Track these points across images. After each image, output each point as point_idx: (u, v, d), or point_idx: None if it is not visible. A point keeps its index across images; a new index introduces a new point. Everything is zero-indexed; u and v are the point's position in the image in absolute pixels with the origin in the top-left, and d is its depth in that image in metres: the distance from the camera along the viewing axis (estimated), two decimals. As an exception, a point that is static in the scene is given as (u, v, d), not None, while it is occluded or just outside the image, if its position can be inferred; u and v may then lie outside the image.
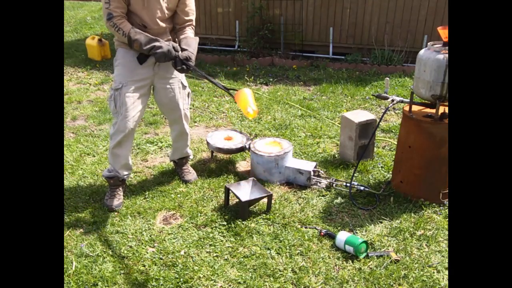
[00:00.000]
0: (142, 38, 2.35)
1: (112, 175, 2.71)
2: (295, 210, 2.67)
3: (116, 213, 2.66)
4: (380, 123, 4.00)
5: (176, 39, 2.65)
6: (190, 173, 3.06)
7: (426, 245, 2.34)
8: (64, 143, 3.73)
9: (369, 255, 2.25)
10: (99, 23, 9.94)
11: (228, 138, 3.40)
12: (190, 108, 4.64)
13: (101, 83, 5.67)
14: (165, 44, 2.39)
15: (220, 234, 2.45)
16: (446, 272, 2.13)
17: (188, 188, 2.95)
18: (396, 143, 3.00)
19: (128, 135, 2.58)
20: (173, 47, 2.44)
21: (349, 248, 2.24)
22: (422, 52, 2.54)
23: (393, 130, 3.94)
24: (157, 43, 2.37)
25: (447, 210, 2.63)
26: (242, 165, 3.34)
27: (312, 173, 2.94)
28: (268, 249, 2.31)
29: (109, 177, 2.73)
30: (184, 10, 2.61)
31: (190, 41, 2.58)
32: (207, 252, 2.31)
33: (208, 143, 3.31)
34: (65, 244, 2.37)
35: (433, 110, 2.57)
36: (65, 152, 3.54)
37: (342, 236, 2.30)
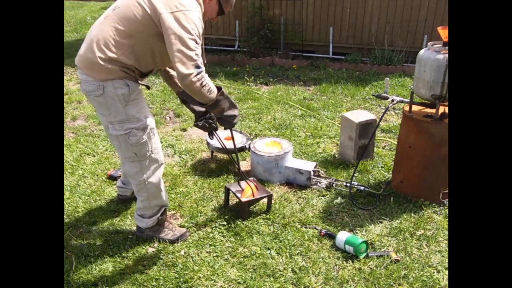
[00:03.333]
0: (227, 102, 2.06)
1: (163, 211, 2.35)
2: (295, 210, 2.67)
3: (116, 213, 2.66)
4: (380, 123, 4.00)
5: (172, 82, 2.44)
6: None
7: (426, 245, 2.34)
8: (64, 143, 3.73)
9: (369, 255, 2.25)
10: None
11: (228, 138, 3.39)
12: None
13: (101, 83, 5.66)
14: (238, 112, 2.17)
15: (220, 234, 2.45)
16: (446, 272, 2.13)
17: (188, 188, 2.95)
18: (396, 143, 3.00)
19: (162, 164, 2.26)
20: None
21: (349, 248, 2.24)
22: (422, 52, 2.54)
23: (393, 130, 3.94)
24: (236, 112, 2.12)
25: (447, 210, 2.63)
26: (242, 165, 3.34)
27: (312, 173, 2.94)
28: (268, 249, 2.31)
29: (163, 213, 2.35)
30: None
31: None
32: (207, 252, 2.31)
33: (208, 143, 3.31)
34: (65, 244, 2.37)
35: (433, 110, 2.57)
36: (65, 152, 3.54)
37: (342, 236, 2.30)
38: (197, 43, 1.88)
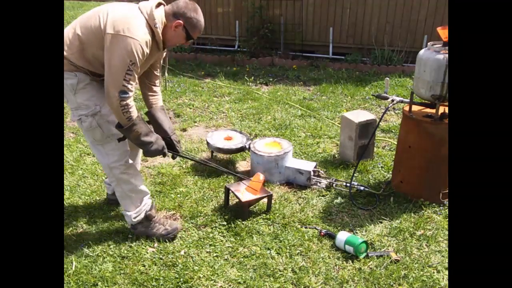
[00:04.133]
0: (144, 128, 2.14)
1: (149, 206, 2.40)
2: (295, 210, 2.67)
3: (116, 213, 2.66)
4: (380, 123, 4.00)
5: (147, 98, 2.47)
6: None
7: (426, 245, 2.34)
8: (64, 143, 3.73)
9: (369, 255, 2.25)
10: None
11: (228, 138, 3.39)
12: (191, 108, 4.65)
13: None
14: (160, 142, 2.23)
15: (220, 234, 2.45)
16: (446, 272, 2.13)
17: (188, 188, 2.95)
18: (396, 143, 3.00)
19: (128, 149, 2.32)
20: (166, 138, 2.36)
21: (349, 248, 2.24)
22: (422, 52, 2.54)
23: (393, 130, 3.94)
24: (153, 138, 2.19)
25: (447, 210, 2.63)
26: (242, 165, 3.34)
27: (312, 173, 2.94)
28: (268, 249, 2.31)
29: (151, 207, 2.41)
30: (158, 66, 2.44)
31: (165, 114, 2.49)
32: (207, 252, 2.31)
33: (208, 143, 3.31)
34: (65, 244, 2.37)
35: (433, 110, 2.57)
36: (65, 152, 3.54)
37: (342, 236, 2.30)
38: (130, 70, 1.97)
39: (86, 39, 2.03)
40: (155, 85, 2.47)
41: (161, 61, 2.48)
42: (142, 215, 2.36)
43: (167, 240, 2.37)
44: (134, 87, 2.04)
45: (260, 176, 2.69)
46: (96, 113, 2.15)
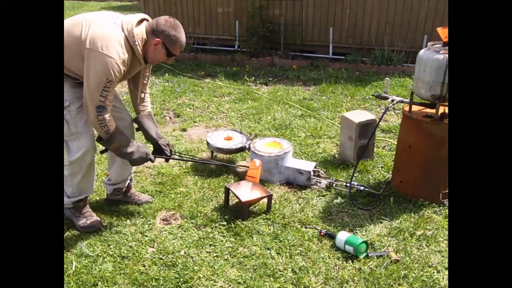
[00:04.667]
0: (124, 139, 2.22)
1: (85, 195, 2.48)
2: (295, 210, 2.67)
3: (116, 213, 2.66)
4: (380, 123, 4.00)
5: (134, 105, 2.53)
6: (143, 194, 2.86)
7: (426, 245, 2.34)
8: (64, 143, 3.73)
9: (369, 255, 2.25)
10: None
11: (228, 138, 3.39)
12: (191, 108, 4.65)
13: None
14: (142, 150, 2.30)
15: (220, 234, 2.45)
16: (446, 272, 2.13)
17: (188, 188, 2.95)
18: (396, 143, 3.00)
19: (94, 149, 2.34)
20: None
21: (349, 248, 2.24)
22: (422, 52, 2.54)
23: (393, 130, 3.94)
24: (134, 148, 2.26)
25: (447, 210, 2.63)
26: (243, 164, 3.34)
27: (312, 173, 2.94)
28: (268, 249, 2.31)
29: (79, 201, 2.46)
30: (145, 75, 2.49)
31: (153, 120, 2.55)
32: (207, 252, 2.31)
33: (208, 143, 3.31)
34: (65, 244, 2.37)
35: (433, 110, 2.57)
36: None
37: (342, 236, 2.30)
38: (106, 87, 2.04)
39: (67, 44, 2.06)
40: (141, 92, 2.52)
41: (149, 71, 2.52)
42: (71, 205, 2.46)
43: (167, 240, 2.37)
44: (111, 101, 2.12)
45: (256, 163, 2.71)
46: (65, 107, 2.19)
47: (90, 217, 2.51)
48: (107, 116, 2.11)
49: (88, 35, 2.02)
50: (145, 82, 2.51)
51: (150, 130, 2.51)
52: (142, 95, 2.53)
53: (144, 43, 2.17)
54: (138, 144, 2.33)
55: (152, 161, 2.39)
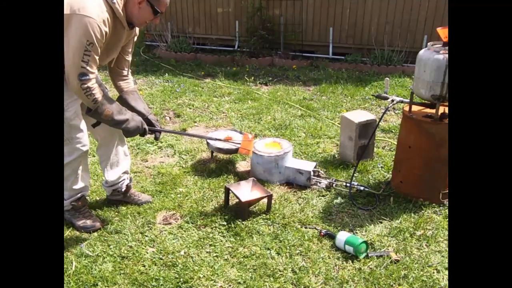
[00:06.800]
0: (114, 107, 2.09)
1: (81, 194, 2.45)
2: (295, 210, 2.67)
3: (116, 213, 2.66)
4: (380, 123, 4.00)
5: (117, 84, 2.43)
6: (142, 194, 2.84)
7: (426, 245, 2.35)
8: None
9: (369, 255, 2.25)
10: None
11: (228, 138, 3.39)
12: (191, 108, 4.65)
13: (101, 83, 5.67)
14: (137, 118, 2.20)
15: (220, 234, 2.45)
16: (446, 272, 2.13)
17: (188, 188, 2.95)
18: (396, 143, 3.01)
19: (86, 154, 2.31)
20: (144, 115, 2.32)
21: (349, 248, 2.24)
22: (422, 52, 2.54)
23: (393, 130, 3.94)
24: (128, 115, 2.15)
25: (447, 210, 2.63)
26: (242, 165, 3.34)
27: (312, 173, 2.94)
28: (268, 249, 2.31)
29: (76, 200, 2.44)
30: (128, 50, 2.38)
31: (138, 96, 2.43)
32: (207, 252, 2.31)
33: (208, 143, 3.31)
34: (65, 244, 2.37)
35: (433, 110, 2.57)
36: (65, 152, 3.54)
37: (342, 236, 2.30)
38: (88, 50, 1.90)
39: None
40: (124, 70, 2.41)
41: (133, 45, 2.41)
42: (69, 207, 2.45)
43: (167, 240, 2.37)
44: (95, 69, 1.98)
45: (249, 136, 2.64)
46: (63, 111, 2.14)
47: (89, 217, 2.51)
48: (91, 84, 1.96)
49: (66, 3, 1.90)
50: (128, 58, 2.40)
51: (138, 106, 2.37)
52: (124, 72, 2.41)
53: (124, 3, 2.04)
54: (133, 113, 2.21)
55: (145, 133, 2.27)
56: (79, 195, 2.44)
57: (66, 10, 1.89)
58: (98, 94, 2.02)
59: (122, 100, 2.37)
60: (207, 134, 3.52)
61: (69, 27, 1.88)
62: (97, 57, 1.97)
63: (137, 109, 2.35)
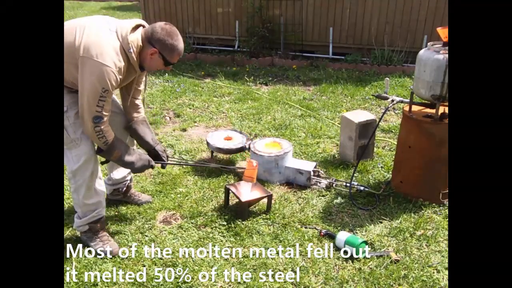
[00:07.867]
0: (124, 148, 2.18)
1: (99, 214, 2.31)
2: (295, 210, 2.67)
3: (116, 213, 2.66)
4: (380, 123, 4.00)
5: (128, 111, 2.43)
6: (142, 194, 2.84)
7: (426, 245, 2.34)
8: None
9: (369, 255, 2.24)
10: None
11: (228, 138, 3.39)
12: (191, 108, 4.65)
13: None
14: (144, 157, 2.27)
15: (220, 234, 2.45)
16: (446, 272, 2.13)
17: (188, 188, 2.95)
18: (396, 143, 3.01)
19: (95, 156, 2.20)
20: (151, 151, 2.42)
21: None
22: (422, 52, 2.54)
23: (393, 130, 3.94)
24: (135, 158, 2.22)
25: (447, 210, 2.63)
26: (242, 165, 3.34)
27: (312, 173, 2.94)
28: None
29: (94, 222, 2.30)
30: (141, 81, 2.40)
31: (147, 126, 2.47)
32: (207, 252, 2.30)
33: (208, 143, 3.31)
34: (65, 244, 2.36)
35: (433, 110, 2.57)
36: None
37: (342, 236, 2.30)
38: (103, 96, 1.96)
39: None
40: (136, 99, 2.43)
41: (145, 78, 2.44)
42: (86, 227, 2.31)
43: (167, 240, 2.37)
44: (109, 111, 2.04)
45: (253, 163, 2.68)
46: (63, 113, 2.11)
47: (107, 241, 2.33)
48: (104, 126, 2.03)
49: (82, 42, 1.92)
50: (139, 88, 2.42)
51: (146, 136, 2.43)
52: (136, 101, 2.44)
53: (139, 50, 2.08)
54: (140, 152, 2.29)
55: (153, 168, 2.37)
56: (94, 213, 2.27)
57: (82, 52, 1.90)
58: (110, 137, 2.09)
59: (132, 130, 2.43)
60: (207, 134, 3.52)
61: (85, 70, 1.92)
62: (110, 101, 2.04)
63: (145, 140, 2.44)
